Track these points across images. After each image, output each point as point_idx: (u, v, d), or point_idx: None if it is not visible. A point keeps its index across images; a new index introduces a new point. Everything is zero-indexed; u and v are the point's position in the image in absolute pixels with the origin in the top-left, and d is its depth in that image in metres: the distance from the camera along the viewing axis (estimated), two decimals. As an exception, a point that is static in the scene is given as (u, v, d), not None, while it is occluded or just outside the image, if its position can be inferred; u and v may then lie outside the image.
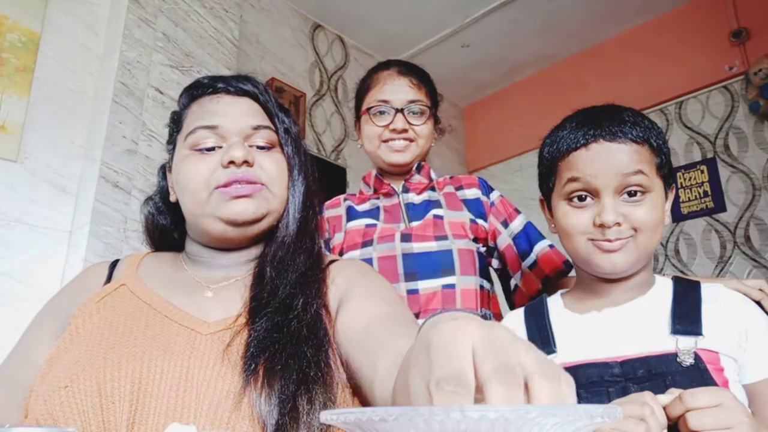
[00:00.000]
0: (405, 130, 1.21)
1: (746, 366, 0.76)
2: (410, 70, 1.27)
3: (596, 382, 0.78)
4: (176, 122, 0.84)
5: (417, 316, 1.08)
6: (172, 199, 0.83)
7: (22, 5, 1.68)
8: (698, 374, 0.73)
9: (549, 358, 0.34)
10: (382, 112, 1.22)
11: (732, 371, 0.76)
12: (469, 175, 1.33)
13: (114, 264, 0.82)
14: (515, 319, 0.93)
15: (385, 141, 1.22)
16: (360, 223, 1.23)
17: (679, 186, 2.86)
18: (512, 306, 1.22)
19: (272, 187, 0.78)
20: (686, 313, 0.79)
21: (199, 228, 0.79)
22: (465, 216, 1.20)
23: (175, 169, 0.80)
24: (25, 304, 1.50)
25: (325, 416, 0.31)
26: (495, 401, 0.30)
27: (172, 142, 0.84)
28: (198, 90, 0.83)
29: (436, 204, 1.23)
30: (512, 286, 1.23)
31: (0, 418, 0.67)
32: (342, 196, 1.32)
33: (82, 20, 1.81)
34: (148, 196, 0.90)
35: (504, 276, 1.25)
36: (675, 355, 0.75)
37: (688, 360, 0.74)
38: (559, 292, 0.95)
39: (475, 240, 1.19)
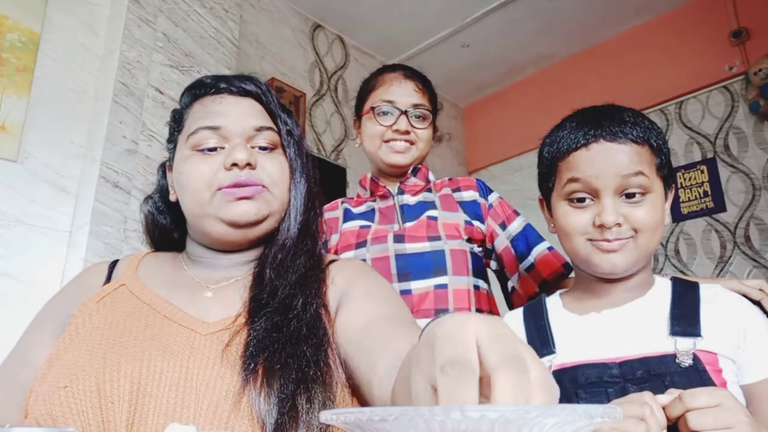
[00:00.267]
0: (407, 132, 1.22)
1: (745, 367, 0.76)
2: (416, 75, 1.28)
3: (595, 383, 0.78)
4: (177, 121, 0.83)
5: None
6: (172, 198, 0.83)
7: (22, 5, 1.68)
8: (697, 375, 0.73)
9: (548, 358, 0.34)
10: (386, 113, 1.23)
11: (730, 372, 0.76)
12: (468, 177, 1.33)
13: (114, 264, 0.82)
14: (514, 320, 0.92)
15: (387, 141, 1.22)
16: (354, 224, 1.23)
17: (679, 186, 2.86)
18: (511, 307, 1.22)
19: (274, 190, 0.78)
20: (685, 314, 0.79)
21: (200, 229, 0.78)
22: (460, 217, 1.20)
23: (176, 168, 0.80)
24: (25, 304, 1.50)
25: (325, 416, 0.31)
26: (504, 389, 0.30)
27: (172, 140, 0.83)
28: (200, 89, 0.82)
29: (431, 205, 1.23)
30: (509, 288, 1.23)
31: (0, 418, 0.67)
32: (340, 200, 1.33)
33: (82, 20, 1.81)
34: (147, 195, 0.90)
35: (502, 278, 1.25)
36: (674, 356, 0.75)
37: (686, 361, 0.74)
38: (558, 292, 0.95)
39: (470, 240, 1.19)
